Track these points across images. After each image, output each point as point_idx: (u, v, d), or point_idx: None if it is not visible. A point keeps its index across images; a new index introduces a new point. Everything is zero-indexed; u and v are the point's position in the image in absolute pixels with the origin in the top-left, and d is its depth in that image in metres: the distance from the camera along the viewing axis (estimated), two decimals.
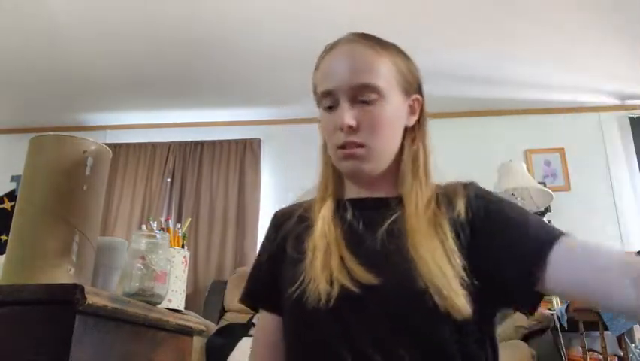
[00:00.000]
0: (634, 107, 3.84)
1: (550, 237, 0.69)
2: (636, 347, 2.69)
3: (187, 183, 4.01)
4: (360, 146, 0.77)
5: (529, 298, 0.71)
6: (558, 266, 0.67)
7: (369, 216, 0.78)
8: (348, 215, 0.79)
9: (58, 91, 3.78)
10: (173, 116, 4.12)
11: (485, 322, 0.73)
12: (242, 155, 4.04)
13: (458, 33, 3.05)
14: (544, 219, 2.12)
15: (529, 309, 0.72)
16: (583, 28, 3.03)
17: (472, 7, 2.86)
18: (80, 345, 0.67)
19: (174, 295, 1.16)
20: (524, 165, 3.31)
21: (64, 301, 0.66)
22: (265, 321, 0.85)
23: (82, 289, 0.67)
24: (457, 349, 0.68)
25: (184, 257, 1.23)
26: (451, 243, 0.71)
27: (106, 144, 0.87)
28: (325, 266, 0.72)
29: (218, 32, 3.08)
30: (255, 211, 3.85)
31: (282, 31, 3.07)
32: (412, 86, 0.84)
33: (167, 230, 1.25)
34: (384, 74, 0.79)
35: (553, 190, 3.24)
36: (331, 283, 0.71)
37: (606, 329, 2.24)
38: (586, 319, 2.38)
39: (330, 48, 0.83)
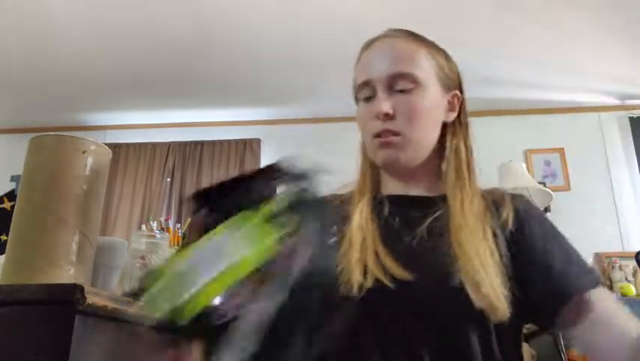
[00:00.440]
0: (634, 108, 3.83)
1: (590, 283, 0.72)
2: None
3: (187, 183, 4.00)
4: (396, 134, 0.77)
5: (549, 320, 0.73)
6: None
7: (408, 213, 0.77)
8: (385, 211, 0.78)
9: (58, 91, 3.77)
10: (173, 116, 4.12)
11: (514, 329, 0.72)
12: (242, 155, 4.04)
13: (458, 33, 3.05)
14: None
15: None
16: (583, 29, 3.03)
17: (471, 7, 2.86)
18: (79, 345, 0.67)
19: None
20: (524, 165, 3.30)
21: (64, 301, 0.66)
22: None
23: (82, 289, 0.66)
24: (481, 351, 0.67)
25: None
26: (496, 244, 0.71)
27: (106, 143, 0.87)
28: (360, 259, 0.71)
29: (218, 32, 3.08)
30: None
31: (282, 32, 3.07)
32: (452, 82, 0.84)
33: (167, 230, 1.25)
34: (423, 65, 0.79)
35: (553, 190, 3.23)
36: (364, 275, 0.69)
37: None
38: None
39: (370, 42, 0.83)
